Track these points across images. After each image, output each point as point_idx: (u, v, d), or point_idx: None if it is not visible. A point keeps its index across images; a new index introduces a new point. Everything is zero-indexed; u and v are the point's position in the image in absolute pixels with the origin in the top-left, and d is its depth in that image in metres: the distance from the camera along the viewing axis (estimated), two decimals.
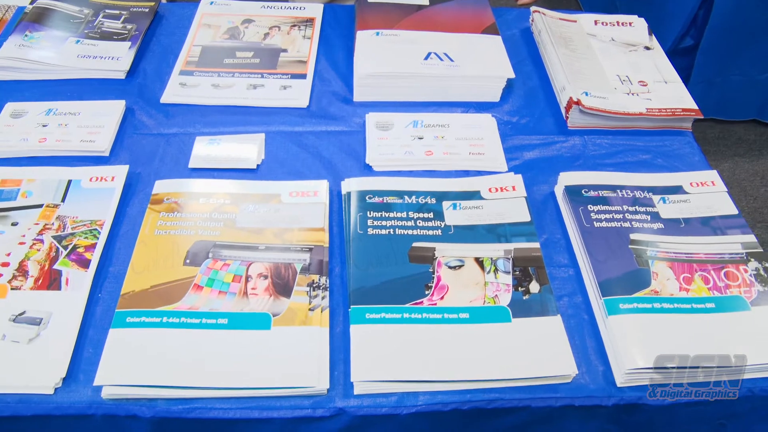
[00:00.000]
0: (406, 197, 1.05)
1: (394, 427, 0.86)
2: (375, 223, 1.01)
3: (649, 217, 1.03)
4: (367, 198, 1.04)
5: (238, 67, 1.30)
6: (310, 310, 0.90)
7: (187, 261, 0.96)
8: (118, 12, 1.41)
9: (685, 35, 2.18)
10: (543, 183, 1.11)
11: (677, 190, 1.08)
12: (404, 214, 1.02)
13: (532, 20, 1.42)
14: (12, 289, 0.94)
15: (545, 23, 1.36)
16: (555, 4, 1.35)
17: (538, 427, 0.89)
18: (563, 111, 1.23)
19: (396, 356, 0.86)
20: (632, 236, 1.00)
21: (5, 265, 0.97)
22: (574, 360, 0.87)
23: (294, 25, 1.40)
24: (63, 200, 1.06)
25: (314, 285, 0.93)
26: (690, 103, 1.21)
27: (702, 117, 1.21)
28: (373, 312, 0.90)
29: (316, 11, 1.45)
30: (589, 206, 1.04)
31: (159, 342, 0.87)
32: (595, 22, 1.40)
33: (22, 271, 0.96)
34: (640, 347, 0.86)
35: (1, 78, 1.30)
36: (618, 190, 1.07)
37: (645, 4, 2.28)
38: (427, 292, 0.93)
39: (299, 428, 0.85)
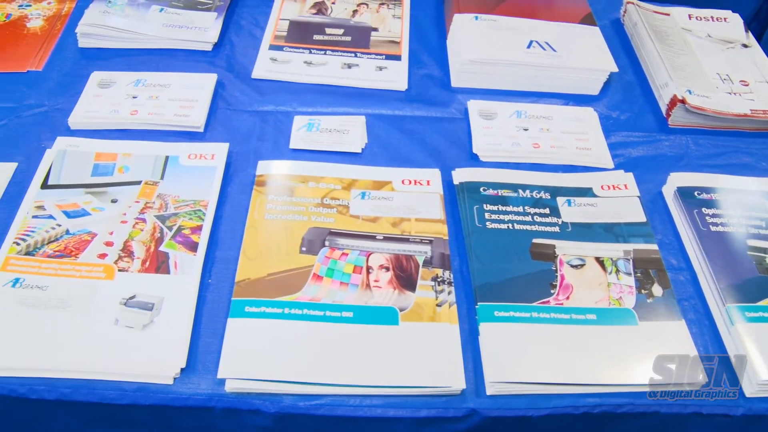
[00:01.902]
0: (520, 191, 1.02)
1: (524, 429, 0.84)
2: (492, 216, 0.98)
3: (763, 223, 1.01)
4: (481, 190, 1.01)
5: (329, 45, 1.26)
6: (437, 305, 0.88)
7: (303, 249, 0.93)
8: None
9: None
10: (648, 182, 1.09)
11: None
12: (520, 209, 1.00)
13: (625, 11, 1.39)
14: (119, 270, 0.90)
15: (641, 15, 1.32)
16: None
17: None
18: (663, 108, 1.20)
19: (529, 357, 0.84)
20: (749, 242, 0.98)
21: (109, 244, 0.93)
22: (703, 367, 0.84)
23: (383, 3, 1.36)
24: (162, 177, 1.01)
25: (438, 279, 0.90)
26: None
27: None
28: (501, 310, 0.88)
29: None
30: (703, 209, 1.02)
31: (282, 334, 0.84)
32: (689, 17, 1.37)
33: (127, 251, 0.92)
34: None
35: (83, 45, 1.25)
36: (731, 194, 1.04)
37: None
38: (552, 291, 0.90)
39: (428, 427, 0.83)
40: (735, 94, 1.20)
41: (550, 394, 0.83)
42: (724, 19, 1.39)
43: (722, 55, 1.29)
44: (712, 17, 1.39)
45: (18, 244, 0.92)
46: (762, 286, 0.92)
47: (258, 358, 0.82)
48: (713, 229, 0.99)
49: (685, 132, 1.19)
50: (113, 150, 1.06)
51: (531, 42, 1.21)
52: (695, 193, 1.04)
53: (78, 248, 0.92)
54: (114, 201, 0.99)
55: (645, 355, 0.85)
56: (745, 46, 1.32)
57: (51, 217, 0.96)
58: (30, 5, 1.32)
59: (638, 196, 1.03)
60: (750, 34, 1.35)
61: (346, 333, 0.84)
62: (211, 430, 0.85)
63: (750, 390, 0.85)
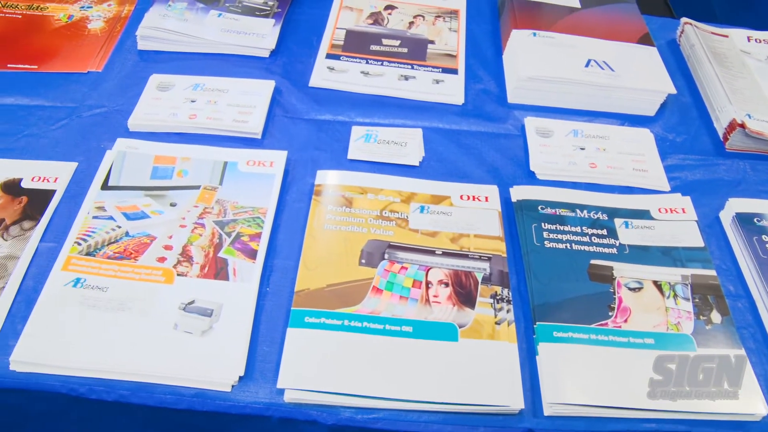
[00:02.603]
0: (578, 211, 1.02)
1: None
2: (550, 236, 0.98)
3: None
4: (539, 208, 1.01)
5: (386, 56, 1.26)
6: (496, 323, 0.87)
7: (363, 261, 0.93)
8: None
9: None
10: (704, 206, 1.08)
11: None
12: (578, 229, 0.99)
13: (682, 32, 1.38)
14: (178, 275, 0.90)
15: (699, 37, 1.31)
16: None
17: None
18: (720, 132, 1.19)
19: (587, 379, 0.84)
20: None
21: (168, 248, 0.94)
22: (763, 398, 0.84)
23: (438, 16, 1.36)
24: (221, 183, 1.02)
25: (498, 297, 0.90)
26: None
27: None
28: (560, 330, 0.87)
29: (460, 3, 1.40)
30: (762, 236, 1.01)
31: (342, 346, 0.85)
32: (749, 39, 1.36)
33: (186, 256, 0.93)
34: None
35: (142, 47, 1.27)
36: None
37: (746, 9, 2.22)
38: (610, 314, 0.90)
39: None
40: None
41: (607, 417, 0.83)
42: None
43: None
44: None
45: (79, 244, 0.93)
46: None
47: (317, 369, 0.82)
48: None
49: (742, 157, 1.17)
50: (172, 153, 1.07)
51: (589, 61, 1.21)
52: (755, 220, 1.03)
53: (137, 251, 0.93)
54: (173, 205, 0.99)
55: (705, 383, 0.85)
56: None
57: (111, 218, 0.97)
58: (91, 7, 1.34)
59: (696, 221, 1.03)
60: None
61: (406, 347, 0.85)
62: None
63: None
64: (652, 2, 3.25)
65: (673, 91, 1.19)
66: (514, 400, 0.81)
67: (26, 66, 1.21)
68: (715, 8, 2.55)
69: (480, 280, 0.92)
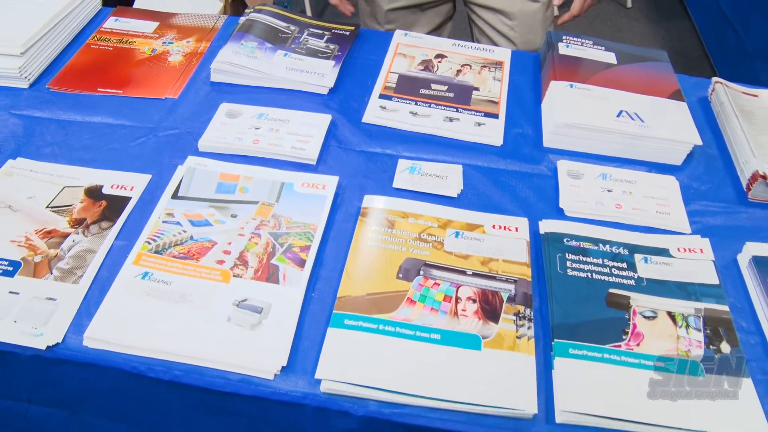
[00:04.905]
0: (600, 245, 1.10)
1: None
2: (573, 265, 1.06)
3: None
4: (564, 240, 1.10)
5: (434, 99, 1.38)
6: (517, 337, 0.96)
7: (400, 275, 1.02)
8: (321, 32, 1.51)
9: None
10: (724, 249, 1.14)
11: None
12: (600, 261, 1.07)
13: (713, 90, 1.46)
14: (234, 276, 1.01)
15: (728, 95, 1.40)
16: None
17: None
18: (744, 183, 1.26)
19: (598, 392, 0.91)
20: None
21: (227, 252, 1.05)
22: None
23: (484, 66, 1.48)
24: (277, 200, 1.13)
25: (520, 315, 0.98)
26: None
27: None
28: (576, 348, 0.95)
29: (505, 55, 1.52)
30: None
31: (375, 346, 0.94)
32: None
33: (242, 260, 1.04)
34: None
35: (215, 79, 1.41)
36: None
37: None
38: (624, 337, 0.97)
39: None
40: None
41: (614, 429, 0.89)
42: None
43: None
44: None
45: (149, 243, 1.05)
46: None
47: (352, 365, 0.92)
48: None
49: (764, 206, 1.24)
50: (236, 172, 1.19)
51: (621, 111, 1.30)
52: None
53: (200, 253, 1.05)
54: (234, 216, 1.11)
55: (711, 407, 0.92)
56: None
57: (178, 223, 1.09)
58: (172, 42, 1.50)
59: (713, 261, 1.10)
60: None
61: (433, 352, 0.94)
62: (298, 429, 0.95)
63: None
64: (698, 66, 3.32)
65: (699, 142, 1.27)
66: (529, 405, 0.89)
67: (113, 90, 1.37)
68: (759, 73, 2.61)
69: (505, 300, 1.01)
